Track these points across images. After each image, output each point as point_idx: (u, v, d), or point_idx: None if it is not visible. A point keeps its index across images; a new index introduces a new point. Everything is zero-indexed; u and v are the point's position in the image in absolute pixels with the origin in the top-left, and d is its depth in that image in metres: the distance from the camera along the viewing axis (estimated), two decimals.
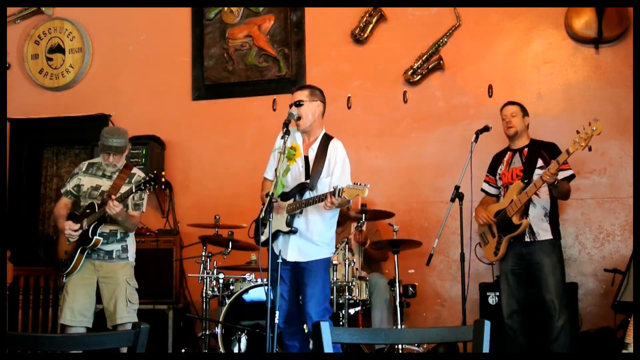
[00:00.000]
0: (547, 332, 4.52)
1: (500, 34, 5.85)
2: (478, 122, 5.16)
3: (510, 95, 5.72)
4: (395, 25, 6.04)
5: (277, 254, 3.97)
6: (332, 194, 3.71)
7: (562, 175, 4.55)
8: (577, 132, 4.23)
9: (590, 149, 4.30)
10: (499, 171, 4.86)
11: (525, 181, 4.59)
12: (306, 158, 4.09)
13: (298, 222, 4.00)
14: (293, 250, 4.00)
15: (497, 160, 4.94)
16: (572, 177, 4.67)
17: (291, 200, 4.00)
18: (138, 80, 6.57)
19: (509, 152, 4.85)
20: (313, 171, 4.01)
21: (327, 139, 4.10)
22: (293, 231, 3.98)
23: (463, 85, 5.87)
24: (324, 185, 3.96)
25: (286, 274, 4.04)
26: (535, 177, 4.56)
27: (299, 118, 4.06)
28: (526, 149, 4.76)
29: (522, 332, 4.67)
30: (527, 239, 4.63)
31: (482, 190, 4.96)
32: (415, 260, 5.54)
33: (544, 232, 4.62)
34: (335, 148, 4.05)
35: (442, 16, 5.92)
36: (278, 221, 4.00)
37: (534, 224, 4.62)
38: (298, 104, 4.07)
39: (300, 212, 4.00)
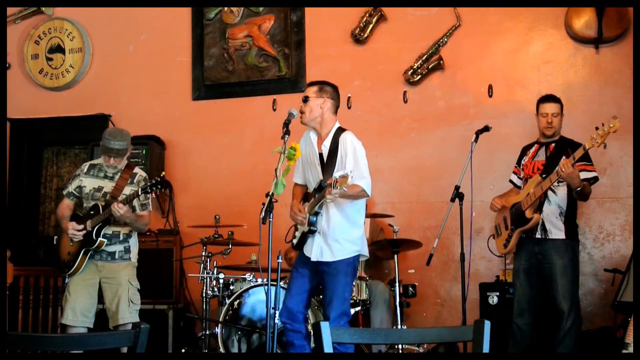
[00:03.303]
0: (554, 333, 4.50)
1: (500, 34, 5.85)
2: (478, 122, 5.16)
3: (511, 95, 5.73)
4: (395, 25, 6.04)
5: (308, 256, 4.03)
6: (330, 185, 3.67)
7: (584, 175, 4.46)
8: (596, 128, 4.15)
9: (605, 146, 4.24)
10: (522, 162, 4.80)
11: (544, 175, 4.50)
12: (321, 155, 4.10)
13: (320, 222, 4.00)
14: (316, 250, 4.01)
15: (524, 151, 4.86)
16: (595, 179, 4.57)
17: (311, 201, 4.03)
18: (138, 80, 6.57)
19: (536, 145, 4.78)
20: (327, 167, 4.01)
21: (339, 133, 4.09)
22: (312, 230, 3.99)
23: (463, 85, 5.87)
24: None
25: (305, 271, 4.07)
26: None
27: (302, 112, 4.09)
28: (553, 144, 4.68)
29: (529, 332, 4.63)
30: (538, 235, 4.56)
31: (510, 181, 4.92)
32: (415, 260, 5.54)
33: (556, 231, 4.54)
34: (344, 140, 4.03)
35: (442, 16, 5.91)
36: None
37: (547, 221, 4.55)
38: (305, 99, 4.11)
39: (320, 211, 3.99)
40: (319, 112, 4.09)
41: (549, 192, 4.52)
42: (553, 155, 4.62)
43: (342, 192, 3.66)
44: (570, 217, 4.60)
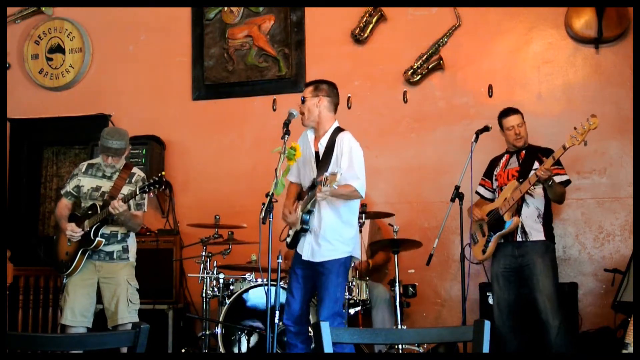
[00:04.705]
0: (543, 334, 4.50)
1: (500, 34, 5.85)
2: (478, 122, 5.16)
3: (511, 95, 5.73)
4: (395, 25, 6.04)
5: (301, 254, 4.04)
6: (321, 183, 3.66)
7: (558, 179, 4.56)
8: (575, 128, 4.26)
9: (585, 144, 4.29)
10: (495, 172, 4.88)
11: (520, 180, 4.58)
12: (317, 154, 4.09)
13: (313, 221, 3.99)
14: (307, 249, 4.01)
15: (493, 163, 4.96)
16: (567, 182, 4.68)
17: (305, 199, 4.03)
18: (138, 80, 6.57)
19: (506, 155, 4.88)
20: (322, 166, 4.00)
21: (336, 133, 4.08)
22: (304, 229, 3.98)
23: (463, 85, 5.87)
24: None
25: (301, 272, 4.06)
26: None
27: (302, 113, 4.11)
28: (524, 152, 4.77)
29: (513, 335, 4.65)
30: (518, 238, 4.62)
31: (477, 193, 4.97)
32: (415, 260, 5.53)
33: (536, 233, 4.61)
34: (342, 140, 4.02)
35: (442, 16, 5.91)
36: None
37: (527, 223, 4.61)
38: (302, 100, 4.12)
39: (313, 210, 3.97)
40: (316, 111, 4.08)
41: (527, 195, 4.60)
42: (526, 160, 4.72)
43: (332, 190, 3.65)
44: (547, 219, 4.68)
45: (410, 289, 5.08)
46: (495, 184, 4.86)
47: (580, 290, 5.32)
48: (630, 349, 3.86)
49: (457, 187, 4.72)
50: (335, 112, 4.19)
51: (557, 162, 4.52)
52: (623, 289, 4.82)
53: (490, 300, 5.13)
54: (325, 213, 3.99)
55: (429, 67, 5.89)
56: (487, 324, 2.01)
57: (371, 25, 6.04)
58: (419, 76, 5.90)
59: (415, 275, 5.60)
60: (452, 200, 4.72)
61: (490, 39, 5.86)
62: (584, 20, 5.57)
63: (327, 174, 3.65)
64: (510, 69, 5.81)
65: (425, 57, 5.88)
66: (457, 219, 4.71)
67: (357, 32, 6.04)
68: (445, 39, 5.88)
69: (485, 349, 1.99)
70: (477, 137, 4.81)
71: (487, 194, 4.94)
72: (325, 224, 3.98)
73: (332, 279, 3.94)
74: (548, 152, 4.62)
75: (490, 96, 5.77)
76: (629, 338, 3.91)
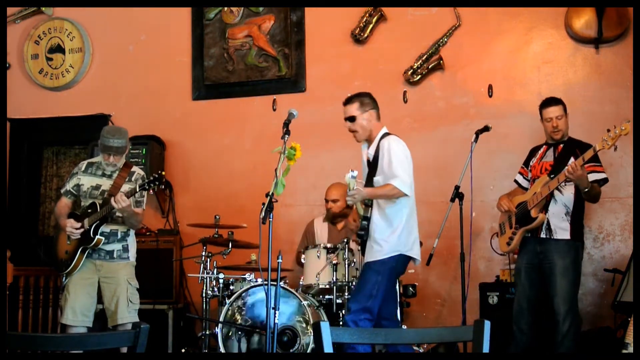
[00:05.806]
0: (552, 333, 4.49)
1: (500, 34, 5.85)
2: (478, 122, 5.16)
3: (511, 95, 5.74)
4: (395, 25, 6.04)
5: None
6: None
7: (594, 177, 4.44)
8: (608, 130, 4.15)
9: (615, 149, 4.23)
10: (531, 163, 4.78)
11: (552, 176, 4.47)
12: (368, 162, 4.21)
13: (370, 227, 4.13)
14: (366, 252, 4.16)
15: (532, 152, 4.85)
16: (604, 180, 4.52)
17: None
18: (138, 80, 6.57)
19: (544, 146, 4.77)
20: (371, 173, 4.14)
21: (381, 139, 4.18)
22: (359, 235, 4.13)
23: (463, 85, 5.87)
24: (377, 185, 4.06)
25: None
26: None
27: (354, 131, 4.20)
28: (561, 145, 4.65)
29: (528, 332, 4.60)
30: (543, 235, 4.53)
31: (515, 181, 4.91)
32: None
33: (561, 231, 4.50)
34: (383, 145, 4.12)
35: (442, 16, 5.92)
36: None
37: (552, 221, 4.51)
38: (351, 119, 4.19)
39: (368, 216, 4.10)
40: (368, 127, 4.20)
41: (556, 192, 4.48)
42: (561, 155, 4.60)
43: (368, 192, 3.94)
44: (576, 217, 4.55)
45: (410, 289, 5.08)
46: (530, 174, 4.76)
47: (580, 290, 5.29)
48: (630, 349, 3.86)
49: (457, 187, 4.72)
50: (379, 119, 4.29)
51: (596, 159, 4.40)
52: (623, 289, 4.82)
53: (491, 300, 5.14)
54: (374, 215, 4.10)
55: (429, 67, 5.89)
56: (487, 324, 2.01)
57: (371, 25, 6.04)
58: (419, 76, 5.90)
59: (415, 275, 5.60)
60: (452, 200, 4.72)
61: (490, 39, 5.86)
62: (584, 20, 5.57)
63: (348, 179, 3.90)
64: (510, 69, 5.81)
65: (425, 57, 5.88)
66: (457, 219, 4.71)
67: (357, 32, 6.04)
68: (445, 39, 5.88)
69: (485, 349, 1.99)
70: (477, 137, 4.80)
71: (525, 183, 4.82)
72: (374, 225, 4.09)
73: (370, 276, 4.03)
74: (586, 148, 4.43)
75: (490, 96, 5.77)
76: (629, 338, 3.91)
